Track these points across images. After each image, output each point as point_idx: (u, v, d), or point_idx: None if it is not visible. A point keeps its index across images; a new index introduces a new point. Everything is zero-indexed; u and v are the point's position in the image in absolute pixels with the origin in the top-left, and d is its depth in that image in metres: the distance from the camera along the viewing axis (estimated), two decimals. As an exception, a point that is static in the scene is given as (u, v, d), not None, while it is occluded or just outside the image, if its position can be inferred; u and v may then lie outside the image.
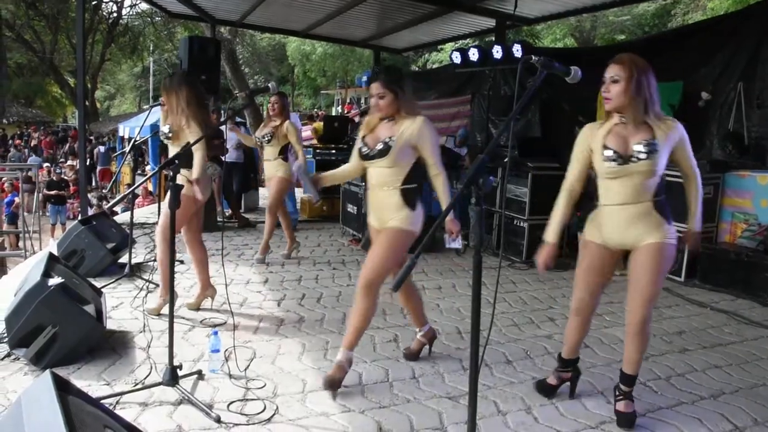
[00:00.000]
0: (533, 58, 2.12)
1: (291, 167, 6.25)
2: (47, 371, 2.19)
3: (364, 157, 3.47)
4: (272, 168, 6.28)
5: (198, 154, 4.18)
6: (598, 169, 2.96)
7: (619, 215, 2.93)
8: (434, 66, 21.99)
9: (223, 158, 8.41)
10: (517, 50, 7.55)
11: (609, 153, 2.88)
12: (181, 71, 4.70)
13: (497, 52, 7.83)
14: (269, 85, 3.75)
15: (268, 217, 6.35)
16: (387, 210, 3.44)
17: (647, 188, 2.87)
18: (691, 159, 2.97)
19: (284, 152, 6.25)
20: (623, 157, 2.85)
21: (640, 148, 2.83)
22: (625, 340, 3.10)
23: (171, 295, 3.34)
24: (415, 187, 3.48)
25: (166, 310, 4.59)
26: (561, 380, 3.40)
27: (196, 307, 4.69)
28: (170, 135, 4.37)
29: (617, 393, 3.18)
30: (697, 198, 3.00)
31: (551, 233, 3.16)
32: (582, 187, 3.13)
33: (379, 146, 3.39)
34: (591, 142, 3.00)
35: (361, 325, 3.42)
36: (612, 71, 2.87)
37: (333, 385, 3.30)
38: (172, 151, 4.44)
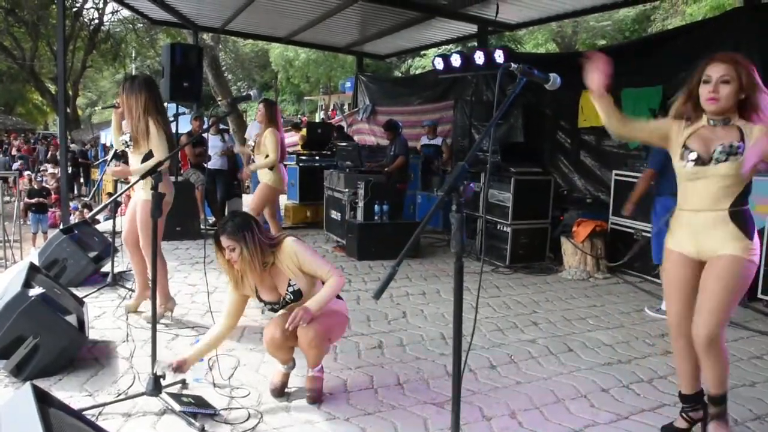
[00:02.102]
0: (512, 65, 2.13)
1: (282, 174, 6.15)
2: (28, 383, 2.17)
3: (273, 309, 3.36)
4: (258, 175, 6.23)
5: (153, 160, 4.18)
6: (677, 169, 2.82)
7: (695, 219, 2.78)
8: (417, 72, 22.05)
9: (206, 165, 8.40)
10: (498, 56, 7.61)
11: (688, 153, 2.74)
12: (142, 75, 4.67)
13: (479, 57, 7.88)
14: (251, 92, 3.74)
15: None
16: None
17: (726, 195, 2.68)
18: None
19: None
20: (702, 159, 2.70)
21: (721, 149, 2.65)
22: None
23: (153, 304, 3.32)
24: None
25: (143, 307, 4.60)
26: (692, 420, 3.04)
27: (135, 309, 4.66)
28: (130, 143, 4.34)
29: (706, 415, 2.98)
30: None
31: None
32: (623, 125, 2.94)
33: (289, 297, 3.25)
34: (673, 134, 2.84)
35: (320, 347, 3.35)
36: (720, 70, 2.66)
37: None
38: (133, 159, 4.42)
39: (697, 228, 2.76)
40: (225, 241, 3.09)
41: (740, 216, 2.70)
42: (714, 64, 2.69)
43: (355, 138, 12.59)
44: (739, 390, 3.66)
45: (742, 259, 2.66)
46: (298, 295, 3.24)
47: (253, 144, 6.20)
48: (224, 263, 3.18)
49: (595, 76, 2.83)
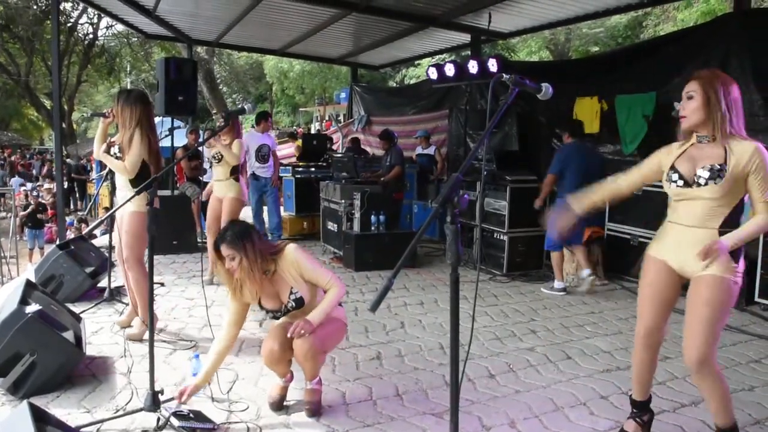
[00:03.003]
0: (504, 76, 2.15)
1: (242, 187, 6.13)
2: (25, 402, 2.17)
3: (275, 317, 3.36)
4: (223, 188, 6.02)
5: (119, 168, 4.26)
6: (666, 189, 2.79)
7: (682, 234, 2.73)
8: (412, 81, 22.12)
9: (201, 179, 8.39)
10: (492, 65, 7.64)
11: (673, 175, 2.72)
12: (138, 90, 4.68)
13: (473, 66, 7.91)
14: (245, 106, 3.75)
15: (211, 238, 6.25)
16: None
17: (714, 215, 2.64)
18: (762, 192, 2.59)
19: (235, 172, 6.01)
20: (686, 181, 2.68)
21: (703, 172, 2.63)
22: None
23: (151, 319, 3.31)
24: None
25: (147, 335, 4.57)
26: (642, 424, 3.06)
27: (128, 325, 4.62)
28: (120, 155, 4.35)
29: (652, 418, 3.05)
30: (750, 228, 2.62)
31: (577, 202, 3.03)
32: (627, 192, 3.03)
33: (291, 304, 3.25)
34: (663, 161, 2.83)
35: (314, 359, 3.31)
36: (688, 87, 2.71)
37: None
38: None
39: (684, 243, 2.71)
40: (225, 251, 3.08)
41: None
42: (688, 81, 2.75)
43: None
44: (738, 394, 3.66)
45: (727, 279, 2.63)
46: (300, 303, 3.24)
47: (218, 158, 6.04)
48: (224, 273, 3.17)
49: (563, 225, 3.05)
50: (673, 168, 2.75)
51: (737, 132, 2.64)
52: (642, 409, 3.07)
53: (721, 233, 2.63)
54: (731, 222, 2.65)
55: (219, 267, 3.20)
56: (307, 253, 3.28)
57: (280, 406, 3.37)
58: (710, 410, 2.81)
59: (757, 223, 2.61)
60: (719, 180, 2.59)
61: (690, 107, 2.69)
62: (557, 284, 6.18)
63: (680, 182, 2.70)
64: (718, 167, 2.60)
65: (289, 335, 3.08)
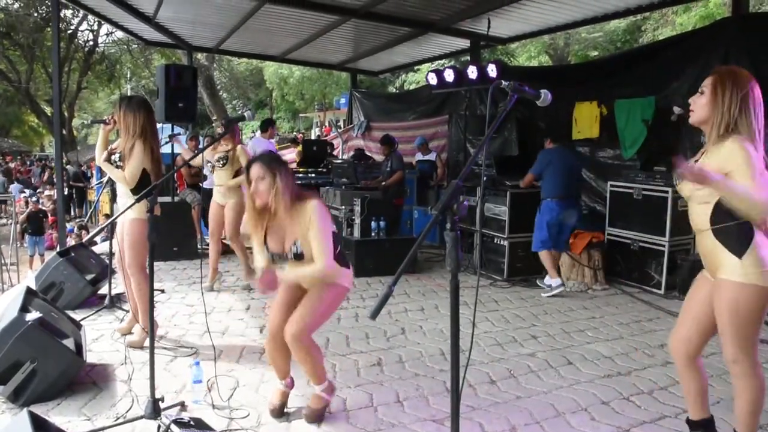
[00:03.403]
0: (503, 83, 2.15)
1: (244, 192, 6.13)
2: (25, 410, 2.17)
3: (274, 260, 3.27)
4: (227, 193, 6.08)
5: (127, 171, 4.26)
6: None
7: (698, 241, 2.67)
8: (411, 87, 22.14)
9: (201, 185, 8.40)
10: (491, 70, 7.64)
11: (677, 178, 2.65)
12: (140, 96, 4.69)
13: (472, 72, 7.92)
14: (245, 113, 3.75)
15: (235, 245, 6.23)
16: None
17: (704, 214, 2.56)
18: (751, 177, 2.35)
19: (238, 176, 6.03)
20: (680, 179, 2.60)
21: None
22: None
23: (151, 326, 3.31)
24: (341, 251, 3.32)
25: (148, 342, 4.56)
26: None
27: (128, 332, 4.61)
28: (120, 163, 4.35)
29: None
30: (744, 188, 2.31)
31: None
32: None
33: (295, 250, 3.16)
34: None
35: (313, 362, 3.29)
36: (704, 82, 2.58)
37: None
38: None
39: (701, 250, 2.66)
40: (256, 170, 3.07)
41: (724, 233, 2.51)
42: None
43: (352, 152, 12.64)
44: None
45: (737, 284, 2.48)
46: (300, 257, 3.16)
47: (222, 162, 6.05)
48: (249, 198, 3.16)
49: None
50: None
51: (739, 135, 2.43)
52: (702, 429, 2.89)
53: (715, 231, 2.53)
54: (720, 219, 2.50)
55: (248, 195, 3.17)
56: (327, 216, 3.18)
57: (280, 413, 3.36)
58: (735, 411, 2.71)
59: (751, 192, 2.29)
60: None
61: (699, 103, 2.58)
62: (554, 282, 6.24)
63: (678, 180, 2.66)
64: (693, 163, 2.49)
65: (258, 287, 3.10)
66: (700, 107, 2.57)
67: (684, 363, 2.80)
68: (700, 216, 2.59)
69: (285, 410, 3.39)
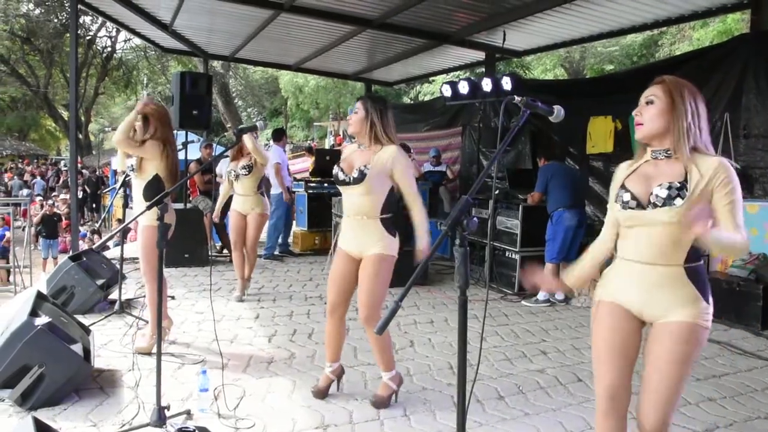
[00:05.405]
0: (516, 98, 2.13)
1: (266, 202, 6.17)
2: (29, 416, 2.16)
3: (341, 182, 3.56)
4: (250, 203, 6.03)
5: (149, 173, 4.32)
6: (616, 215, 2.34)
7: (639, 275, 2.26)
8: (426, 98, 22.19)
9: (212, 193, 8.42)
10: (506, 83, 7.64)
11: (624, 195, 2.27)
12: (158, 104, 4.72)
13: (487, 84, 7.92)
14: (257, 123, 3.77)
15: (251, 255, 6.23)
16: (366, 238, 3.55)
17: (678, 247, 2.18)
18: (734, 215, 2.13)
19: (260, 186, 6.10)
20: (639, 202, 2.22)
21: (660, 191, 2.18)
22: None
23: (159, 334, 3.31)
24: (391, 217, 3.58)
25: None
26: None
27: (149, 351, 4.38)
28: (133, 168, 4.37)
29: None
30: (732, 238, 2.12)
31: (567, 274, 2.59)
32: (612, 247, 2.47)
33: (355, 173, 3.47)
34: (616, 184, 2.39)
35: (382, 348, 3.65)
36: (648, 92, 2.29)
37: None
38: (136, 184, 4.43)
39: (643, 283, 2.25)
40: (360, 103, 3.53)
41: (697, 274, 2.21)
42: (649, 87, 2.32)
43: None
44: (753, 422, 3.59)
45: (698, 327, 2.19)
46: (358, 180, 3.45)
47: (246, 170, 6.02)
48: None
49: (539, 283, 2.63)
50: (623, 187, 2.30)
51: (704, 148, 2.21)
52: None
53: (688, 270, 2.19)
54: (696, 256, 2.21)
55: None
56: (408, 161, 3.54)
57: (322, 395, 3.69)
58: None
59: (735, 240, 2.11)
60: (679, 200, 2.13)
61: (648, 113, 2.24)
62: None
63: (632, 203, 2.23)
64: (678, 185, 2.15)
65: None
66: (652, 118, 2.24)
67: (623, 418, 2.35)
68: (661, 242, 2.20)
69: (328, 393, 3.71)
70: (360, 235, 3.57)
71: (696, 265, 2.20)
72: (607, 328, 2.34)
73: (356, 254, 3.61)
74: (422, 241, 3.49)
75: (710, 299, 2.22)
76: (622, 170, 2.38)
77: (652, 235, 2.21)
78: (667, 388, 2.20)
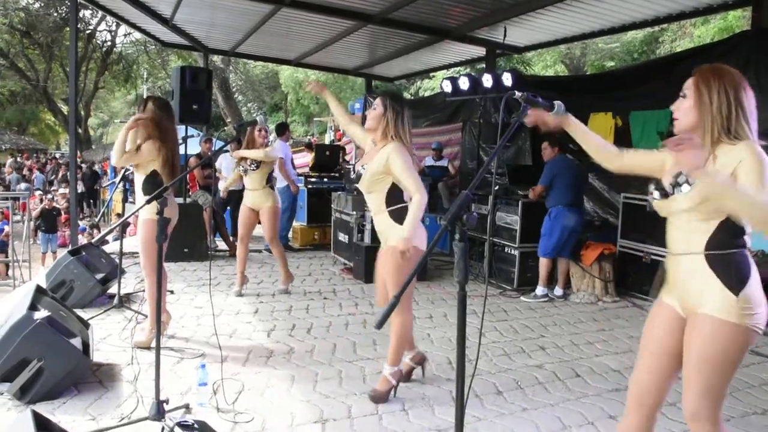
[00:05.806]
0: (516, 94, 2.13)
1: (277, 195, 6.16)
2: (28, 410, 2.17)
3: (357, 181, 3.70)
4: (260, 197, 6.01)
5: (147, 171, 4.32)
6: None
7: (674, 267, 2.24)
8: (426, 93, 22.16)
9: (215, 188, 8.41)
10: (507, 79, 7.63)
11: (653, 186, 2.27)
12: (162, 99, 4.71)
13: (487, 80, 7.91)
14: (257, 118, 3.78)
15: (276, 249, 6.24)
16: (383, 233, 3.67)
17: (698, 233, 2.12)
18: (761, 177, 1.98)
19: (270, 180, 6.08)
20: (665, 191, 2.22)
21: (682, 178, 2.14)
22: None
23: (158, 328, 3.31)
24: (400, 207, 3.60)
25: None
26: None
27: (148, 346, 4.39)
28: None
29: None
30: (748, 193, 1.95)
31: (564, 119, 2.43)
32: (617, 161, 2.50)
33: (361, 171, 3.61)
34: (667, 163, 2.30)
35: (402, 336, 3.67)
36: (685, 85, 2.26)
37: None
38: (137, 177, 4.43)
39: (677, 276, 2.22)
40: (379, 98, 3.61)
41: (722, 261, 2.09)
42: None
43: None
44: (750, 418, 3.60)
45: (726, 323, 2.05)
46: (358, 179, 3.61)
47: (254, 165, 6.01)
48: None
49: (538, 116, 2.37)
50: (657, 180, 2.30)
51: (734, 136, 2.09)
52: None
53: (708, 258, 2.10)
54: (722, 243, 2.09)
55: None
56: (405, 156, 3.50)
57: (405, 378, 3.84)
58: None
59: (757, 195, 1.94)
60: (686, 186, 2.11)
61: (682, 108, 2.23)
62: (539, 291, 6.42)
63: (660, 192, 2.24)
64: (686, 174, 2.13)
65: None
66: (684, 113, 2.22)
67: (649, 415, 2.37)
68: (683, 229, 2.17)
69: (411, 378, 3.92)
70: (379, 231, 3.73)
71: (720, 252, 2.09)
72: (647, 327, 2.36)
73: (383, 249, 3.74)
74: (405, 231, 3.43)
75: (749, 291, 2.06)
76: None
77: (677, 224, 2.20)
78: (696, 381, 2.12)
